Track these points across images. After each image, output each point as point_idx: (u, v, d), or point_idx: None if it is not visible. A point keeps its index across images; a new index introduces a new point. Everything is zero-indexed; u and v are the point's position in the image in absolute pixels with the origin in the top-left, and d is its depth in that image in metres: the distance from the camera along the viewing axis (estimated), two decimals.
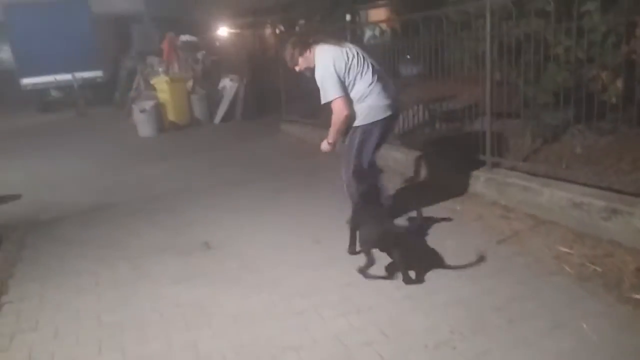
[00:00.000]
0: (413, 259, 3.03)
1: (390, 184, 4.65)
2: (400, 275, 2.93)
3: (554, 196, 3.59)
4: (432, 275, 2.99)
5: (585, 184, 3.62)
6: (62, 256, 3.76)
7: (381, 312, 2.65)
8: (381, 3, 15.39)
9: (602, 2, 3.22)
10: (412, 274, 2.94)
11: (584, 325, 2.34)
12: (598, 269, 2.87)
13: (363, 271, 2.97)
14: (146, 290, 3.13)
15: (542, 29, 3.79)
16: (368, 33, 7.06)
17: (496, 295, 2.70)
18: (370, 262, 2.94)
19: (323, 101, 3.52)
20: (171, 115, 9.53)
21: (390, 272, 3.02)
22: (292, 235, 3.86)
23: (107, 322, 2.80)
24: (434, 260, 3.15)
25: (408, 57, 7.08)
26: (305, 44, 3.59)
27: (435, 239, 3.54)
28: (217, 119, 10.08)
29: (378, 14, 14.64)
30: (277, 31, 10.07)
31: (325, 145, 3.66)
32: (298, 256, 3.46)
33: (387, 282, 2.94)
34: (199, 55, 11.30)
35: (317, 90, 3.54)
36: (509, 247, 3.29)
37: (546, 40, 3.89)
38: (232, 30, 14.85)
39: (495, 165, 4.29)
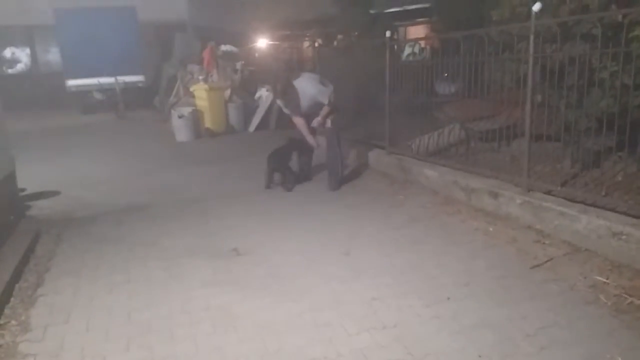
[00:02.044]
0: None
1: (416, 201, 4.77)
2: None
3: (591, 223, 3.49)
4: (459, 296, 2.94)
5: (625, 213, 3.52)
6: (97, 253, 3.87)
7: (407, 330, 2.62)
8: (420, 21, 15.44)
9: None
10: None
11: (619, 359, 2.26)
12: (636, 301, 2.77)
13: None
14: (177, 291, 3.19)
15: (587, 53, 3.71)
16: (407, 50, 7.06)
17: (528, 321, 2.63)
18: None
19: (326, 101, 5.34)
20: (208, 122, 9.71)
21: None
22: (322, 245, 3.86)
23: (136, 319, 2.86)
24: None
25: (445, 75, 7.06)
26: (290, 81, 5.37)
27: (463, 257, 3.50)
28: (252, 127, 10.22)
29: (417, 32, 14.67)
30: (316, 44, 10.15)
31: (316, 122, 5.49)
32: (326, 267, 3.46)
33: (416, 300, 2.91)
34: (238, 65, 11.52)
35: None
36: (543, 273, 3.21)
37: (590, 65, 3.81)
38: (271, 42, 15.08)
39: (532, 188, 4.20)
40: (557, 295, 2.92)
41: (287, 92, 5.36)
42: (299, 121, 5.50)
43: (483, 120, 6.35)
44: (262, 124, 10.17)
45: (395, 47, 7.45)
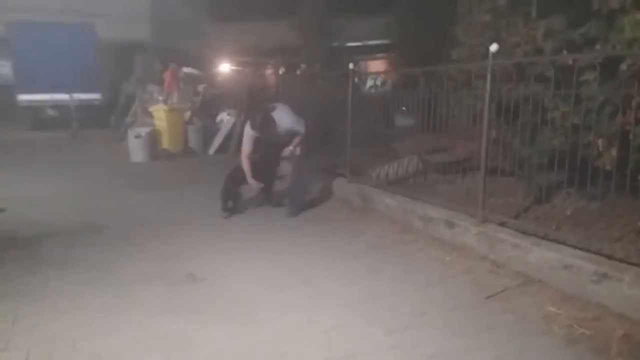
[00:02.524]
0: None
1: (376, 229, 4.83)
2: None
3: (544, 256, 3.61)
4: (417, 325, 2.96)
5: (574, 246, 3.66)
6: (43, 276, 3.67)
7: (366, 359, 2.59)
8: (379, 56, 15.94)
9: (600, 74, 3.35)
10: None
11: None
12: (586, 332, 2.86)
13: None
14: (129, 319, 3.05)
15: (540, 93, 3.91)
16: (369, 82, 7.23)
17: (483, 352, 2.67)
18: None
19: (303, 130, 5.51)
20: (166, 144, 9.55)
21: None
22: (281, 273, 3.81)
23: (83, 348, 2.71)
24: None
25: (403, 108, 7.26)
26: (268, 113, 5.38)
27: (421, 286, 3.54)
28: (212, 150, 10.12)
29: (376, 66, 15.10)
30: (280, 72, 10.27)
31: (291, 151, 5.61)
32: (285, 295, 3.41)
33: (375, 329, 2.89)
34: (200, 88, 11.46)
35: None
36: (498, 303, 3.27)
37: (542, 104, 4.01)
38: (234, 67, 15.12)
39: (487, 219, 4.32)
40: (512, 325, 2.98)
41: (265, 124, 5.31)
42: (245, 158, 5.47)
43: (439, 153, 6.56)
44: (222, 148, 10.09)
45: (357, 79, 7.65)
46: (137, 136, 9.12)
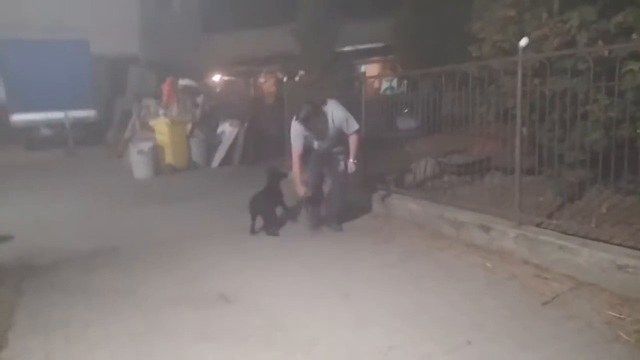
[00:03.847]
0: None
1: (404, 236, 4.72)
2: None
3: (593, 257, 3.44)
4: (478, 340, 2.77)
5: (621, 245, 3.51)
6: (66, 305, 3.44)
7: None
8: (377, 59, 15.85)
9: None
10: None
11: None
12: None
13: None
14: (166, 348, 2.83)
15: (576, 87, 3.76)
16: (385, 84, 7.08)
17: None
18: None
19: (352, 130, 4.79)
20: (169, 158, 9.32)
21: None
22: (316, 287, 3.62)
23: None
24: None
25: (405, 111, 7.14)
26: (318, 106, 4.70)
27: (469, 295, 3.36)
28: (215, 163, 9.91)
29: (374, 69, 15.00)
30: (284, 79, 10.10)
31: (352, 166, 4.85)
32: (328, 311, 3.21)
33: (433, 347, 2.70)
34: (199, 99, 11.25)
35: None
36: (555, 310, 3.10)
37: (577, 99, 3.86)
38: (230, 77, 14.95)
39: (523, 222, 4.15)
40: (577, 334, 2.80)
41: (314, 118, 4.62)
42: (296, 162, 4.79)
43: (456, 154, 6.40)
44: (226, 160, 9.89)
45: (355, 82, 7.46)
46: (140, 152, 8.89)
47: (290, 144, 4.99)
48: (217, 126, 10.63)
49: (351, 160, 4.82)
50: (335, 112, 4.72)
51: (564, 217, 4.24)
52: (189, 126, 9.97)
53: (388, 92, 6.74)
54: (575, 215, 4.27)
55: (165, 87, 10.92)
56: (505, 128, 4.70)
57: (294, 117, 4.73)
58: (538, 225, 4.13)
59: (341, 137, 4.85)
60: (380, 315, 3.12)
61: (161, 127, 9.46)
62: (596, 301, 3.18)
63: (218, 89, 14.01)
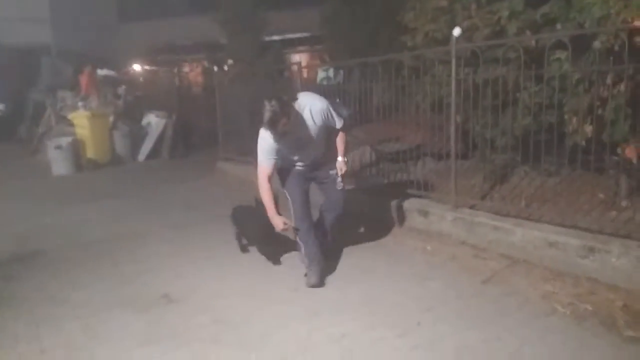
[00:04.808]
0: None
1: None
2: None
3: (526, 236, 3.65)
4: (428, 322, 2.84)
5: (549, 223, 3.74)
6: None
7: None
8: (302, 49, 15.82)
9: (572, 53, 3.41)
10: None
11: None
12: (588, 307, 2.90)
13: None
14: (109, 356, 2.65)
15: (508, 75, 3.94)
16: (321, 74, 7.06)
17: (504, 342, 2.60)
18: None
19: (341, 122, 3.60)
20: (90, 153, 8.78)
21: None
22: (264, 283, 3.54)
23: None
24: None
25: (337, 101, 7.17)
26: (287, 103, 3.30)
27: (413, 279, 3.44)
28: (142, 156, 9.48)
29: (303, 59, 14.95)
30: (213, 68, 9.79)
31: (344, 166, 3.76)
32: (278, 306, 3.15)
33: (388, 331, 2.74)
34: (120, 90, 10.68)
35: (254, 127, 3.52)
36: (495, 288, 3.25)
37: (506, 87, 4.05)
38: (153, 67, 14.31)
39: (459, 205, 4.31)
40: (517, 310, 2.95)
41: (279, 121, 3.22)
42: (264, 186, 3.48)
43: (391, 142, 6.53)
44: (154, 153, 9.49)
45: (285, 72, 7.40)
46: (58, 147, 8.29)
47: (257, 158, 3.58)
48: (141, 118, 10.15)
49: (341, 159, 3.74)
50: (313, 107, 3.44)
51: (496, 199, 4.45)
52: (112, 118, 9.45)
53: (325, 82, 6.73)
54: (506, 197, 4.50)
55: (84, 78, 10.26)
56: (439, 116, 4.85)
57: (263, 130, 3.39)
58: (473, 207, 4.31)
59: (330, 139, 3.70)
60: (330, 305, 3.11)
61: (81, 120, 8.87)
62: (532, 277, 3.37)
63: (141, 79, 13.35)
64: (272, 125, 3.23)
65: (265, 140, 3.41)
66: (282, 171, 3.66)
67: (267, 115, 3.18)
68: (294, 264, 3.80)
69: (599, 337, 2.60)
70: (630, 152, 3.59)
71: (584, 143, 3.57)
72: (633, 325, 2.68)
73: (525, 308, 2.97)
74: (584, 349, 2.50)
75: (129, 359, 2.61)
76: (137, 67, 14.37)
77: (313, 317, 2.97)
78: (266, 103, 3.17)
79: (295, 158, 3.62)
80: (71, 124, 9.22)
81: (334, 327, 2.83)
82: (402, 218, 4.60)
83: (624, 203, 3.86)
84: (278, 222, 3.46)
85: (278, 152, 3.46)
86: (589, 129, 3.49)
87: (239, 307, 3.18)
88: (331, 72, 6.84)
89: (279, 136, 3.33)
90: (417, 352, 2.55)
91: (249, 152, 7.03)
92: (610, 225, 3.47)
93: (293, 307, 3.13)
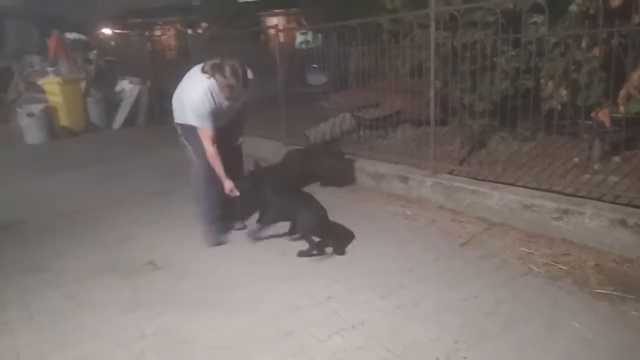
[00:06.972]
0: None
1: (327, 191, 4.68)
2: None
3: (503, 199, 3.76)
4: (409, 283, 2.94)
5: (525, 187, 3.85)
6: None
7: (375, 326, 2.52)
8: (278, 12, 15.46)
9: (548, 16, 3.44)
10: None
11: (576, 324, 2.43)
12: (562, 267, 3.03)
13: (304, 254, 3.33)
14: (97, 321, 2.69)
15: (485, 39, 3.95)
16: (300, 38, 6.95)
17: (482, 300, 2.72)
18: (312, 246, 3.34)
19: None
20: (64, 120, 8.56)
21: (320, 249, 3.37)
22: (249, 248, 3.59)
23: None
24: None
25: (314, 66, 7.10)
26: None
27: (394, 242, 3.53)
28: (117, 124, 9.29)
29: (280, 22, 14.63)
30: (187, 31, 9.53)
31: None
32: (264, 269, 3.22)
33: (372, 293, 2.83)
34: (91, 55, 10.34)
35: None
36: (473, 250, 3.36)
37: (484, 50, 4.07)
38: (124, 30, 13.84)
39: (438, 170, 4.39)
40: (494, 271, 3.07)
41: (239, 81, 3.30)
42: (212, 149, 3.48)
43: (371, 108, 6.54)
44: (129, 120, 9.30)
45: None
46: (30, 114, 8.06)
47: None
48: (115, 84, 9.90)
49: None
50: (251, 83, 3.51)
51: (473, 164, 4.54)
52: (84, 84, 9.17)
53: (304, 46, 6.63)
54: (483, 162, 4.59)
55: (52, 42, 9.84)
56: (418, 81, 4.87)
57: (199, 79, 3.41)
58: (451, 172, 4.40)
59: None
60: (315, 269, 3.18)
61: (52, 86, 8.59)
62: (508, 239, 3.49)
63: (112, 43, 12.92)
64: (230, 89, 3.31)
65: (205, 105, 3.38)
66: (191, 129, 3.57)
67: (228, 70, 3.24)
68: (275, 230, 3.83)
69: (572, 295, 2.73)
70: (603, 115, 3.69)
71: (559, 107, 3.65)
72: (604, 283, 2.83)
73: (502, 269, 3.09)
74: (557, 305, 2.63)
75: (117, 324, 2.65)
76: (107, 31, 13.89)
77: (299, 281, 3.03)
78: (226, 59, 3.28)
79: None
80: (41, 91, 8.92)
81: (320, 289, 2.90)
82: (382, 184, 4.67)
83: (596, 166, 3.99)
84: (229, 185, 3.54)
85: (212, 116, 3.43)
86: (564, 92, 3.56)
87: (224, 273, 3.23)
88: (310, 36, 6.73)
89: (226, 100, 3.43)
90: (400, 312, 2.64)
91: None
92: (583, 187, 3.60)
93: (280, 269, 3.20)
